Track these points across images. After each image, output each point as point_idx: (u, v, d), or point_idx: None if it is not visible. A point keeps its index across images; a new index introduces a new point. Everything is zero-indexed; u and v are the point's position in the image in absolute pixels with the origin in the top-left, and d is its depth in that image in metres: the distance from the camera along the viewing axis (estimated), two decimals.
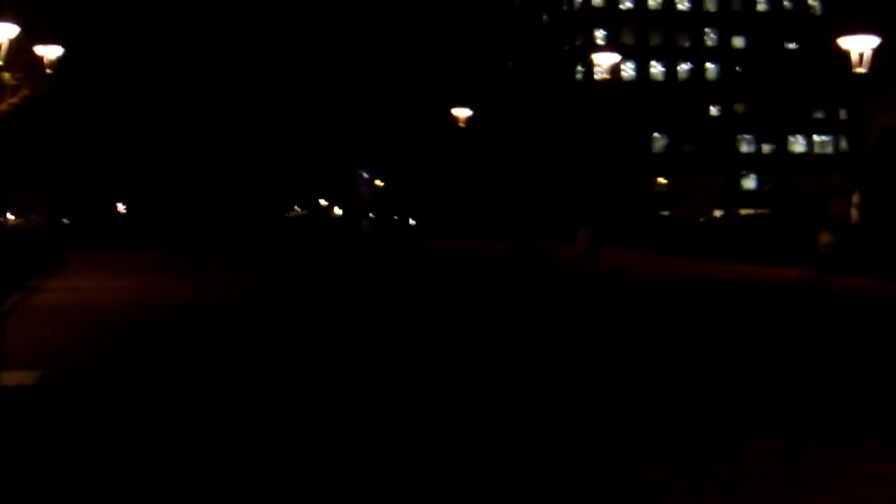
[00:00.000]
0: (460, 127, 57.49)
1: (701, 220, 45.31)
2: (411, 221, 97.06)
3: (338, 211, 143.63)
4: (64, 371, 13.72)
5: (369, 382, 12.84)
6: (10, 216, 69.77)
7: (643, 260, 40.54)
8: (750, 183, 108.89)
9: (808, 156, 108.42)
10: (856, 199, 41.17)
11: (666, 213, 64.70)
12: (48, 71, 31.98)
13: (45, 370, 13.56)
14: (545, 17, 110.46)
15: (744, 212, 79.58)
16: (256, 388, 12.50)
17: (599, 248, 36.32)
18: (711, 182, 62.23)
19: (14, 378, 13.01)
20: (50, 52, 33.09)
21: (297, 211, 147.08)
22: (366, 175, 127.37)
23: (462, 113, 53.12)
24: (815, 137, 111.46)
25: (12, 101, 28.33)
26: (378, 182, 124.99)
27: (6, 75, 26.30)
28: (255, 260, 43.33)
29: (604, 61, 40.34)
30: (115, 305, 23.26)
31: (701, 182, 46.97)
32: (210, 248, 53.07)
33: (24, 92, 28.96)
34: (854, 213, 40.80)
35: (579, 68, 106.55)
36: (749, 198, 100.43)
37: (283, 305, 23.99)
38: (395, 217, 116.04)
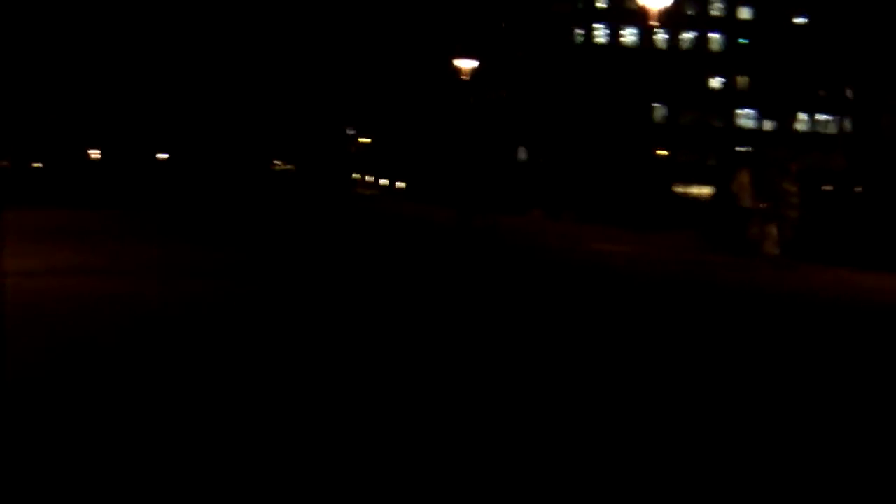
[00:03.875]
0: (456, 84, 48.15)
1: None
2: (399, 184, 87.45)
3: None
4: None
5: None
6: None
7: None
8: None
9: (812, 135, 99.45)
10: None
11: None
12: None
13: None
14: None
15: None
16: None
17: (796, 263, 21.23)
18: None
19: None
20: None
21: (281, 165, 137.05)
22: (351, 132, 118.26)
23: (466, 65, 43.38)
24: (819, 116, 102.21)
25: None
26: (364, 139, 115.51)
27: None
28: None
29: (654, 5, 30.92)
30: None
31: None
32: (177, 204, 42.83)
33: None
34: None
35: (578, 31, 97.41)
36: None
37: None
38: (380, 179, 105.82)
